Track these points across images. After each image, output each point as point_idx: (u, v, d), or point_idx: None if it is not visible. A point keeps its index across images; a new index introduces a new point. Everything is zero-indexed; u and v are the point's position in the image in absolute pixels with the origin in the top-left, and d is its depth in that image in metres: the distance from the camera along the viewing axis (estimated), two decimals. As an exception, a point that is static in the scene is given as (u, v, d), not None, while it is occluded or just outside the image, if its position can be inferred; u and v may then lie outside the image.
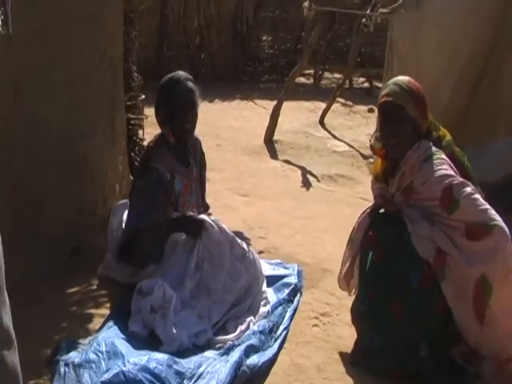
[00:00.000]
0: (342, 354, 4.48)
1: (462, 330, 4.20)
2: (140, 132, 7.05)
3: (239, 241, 4.85)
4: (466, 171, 4.42)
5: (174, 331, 4.31)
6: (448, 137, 4.51)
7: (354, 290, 4.66)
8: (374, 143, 4.53)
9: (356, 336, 4.51)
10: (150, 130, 7.39)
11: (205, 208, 5.32)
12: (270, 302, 4.89)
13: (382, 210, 4.55)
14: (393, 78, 4.46)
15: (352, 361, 4.40)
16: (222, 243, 4.76)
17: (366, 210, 4.60)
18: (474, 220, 4.12)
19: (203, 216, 4.84)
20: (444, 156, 4.29)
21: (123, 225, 5.02)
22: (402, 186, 4.34)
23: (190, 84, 4.92)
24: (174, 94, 4.86)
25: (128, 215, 4.88)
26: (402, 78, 4.40)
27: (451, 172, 4.21)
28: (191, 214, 4.84)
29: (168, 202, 4.81)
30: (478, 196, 4.18)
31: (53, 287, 4.94)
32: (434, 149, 4.31)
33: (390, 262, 4.27)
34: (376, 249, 4.36)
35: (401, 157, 4.32)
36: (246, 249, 4.85)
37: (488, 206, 4.17)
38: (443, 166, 4.22)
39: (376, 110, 4.64)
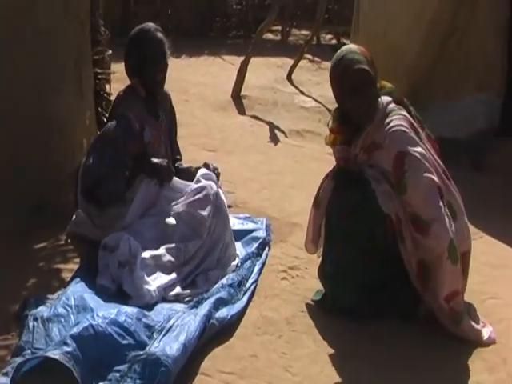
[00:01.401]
0: (310, 307, 4.52)
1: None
2: (107, 87, 6.99)
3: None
4: (415, 118, 4.41)
5: (142, 286, 4.31)
6: (389, 85, 4.50)
7: (320, 251, 4.69)
8: (332, 125, 4.52)
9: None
10: (117, 86, 7.31)
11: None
12: (238, 256, 4.92)
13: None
14: (340, 50, 4.41)
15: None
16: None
17: (328, 173, 4.60)
18: (416, 212, 4.11)
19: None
20: (404, 112, 4.31)
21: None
22: (365, 145, 4.35)
23: (159, 34, 4.90)
24: (144, 44, 4.83)
25: (94, 162, 4.67)
26: (352, 47, 4.43)
27: (412, 134, 4.20)
28: (162, 161, 4.84)
29: (135, 149, 4.78)
30: (426, 181, 4.11)
31: (19, 242, 4.93)
32: (393, 105, 4.33)
33: (355, 220, 4.30)
34: (341, 208, 4.38)
35: (371, 120, 4.32)
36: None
37: (432, 197, 4.11)
38: (403, 123, 4.23)
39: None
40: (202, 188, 4.82)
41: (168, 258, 4.57)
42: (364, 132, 4.35)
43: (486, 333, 4.28)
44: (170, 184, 4.82)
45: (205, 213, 4.71)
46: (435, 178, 4.15)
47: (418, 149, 4.17)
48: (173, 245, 4.63)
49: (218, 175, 5.04)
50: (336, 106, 4.53)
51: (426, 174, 4.13)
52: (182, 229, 4.70)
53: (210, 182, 4.85)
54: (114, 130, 4.71)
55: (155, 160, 4.80)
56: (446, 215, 4.12)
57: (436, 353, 4.12)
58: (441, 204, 4.12)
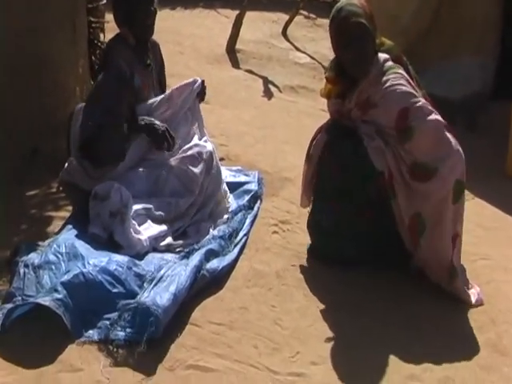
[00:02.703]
0: (301, 261, 4.53)
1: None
2: (101, 36, 6.92)
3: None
4: (413, 78, 4.41)
5: (133, 236, 4.30)
6: (388, 42, 4.49)
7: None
8: (329, 75, 4.52)
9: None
10: (111, 35, 7.27)
11: None
12: (230, 208, 4.91)
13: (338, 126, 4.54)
14: (341, 1, 4.37)
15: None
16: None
17: (322, 127, 4.59)
18: (421, 159, 4.13)
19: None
20: (402, 71, 4.30)
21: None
22: (360, 101, 4.33)
23: None
24: None
25: (90, 110, 4.69)
26: None
27: (410, 89, 4.21)
28: (161, 124, 4.75)
29: (131, 97, 4.74)
30: (434, 128, 4.14)
31: (11, 189, 4.90)
32: (391, 62, 4.32)
33: (347, 175, 4.32)
34: (333, 163, 4.39)
35: (365, 74, 4.30)
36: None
37: (442, 136, 4.13)
38: (401, 81, 4.22)
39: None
40: (196, 145, 4.81)
41: (159, 212, 4.56)
42: (359, 87, 4.34)
43: (473, 295, 4.31)
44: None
45: (197, 170, 4.69)
46: (439, 116, 4.18)
47: (419, 100, 4.19)
48: (164, 199, 4.62)
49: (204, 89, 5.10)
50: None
51: (431, 117, 4.16)
52: (174, 183, 4.68)
53: (203, 141, 4.88)
54: (106, 81, 4.68)
55: (156, 123, 4.74)
56: (459, 148, 4.14)
57: (424, 309, 4.17)
58: (451, 139, 4.14)
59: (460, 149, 4.14)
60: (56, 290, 3.63)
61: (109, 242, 4.29)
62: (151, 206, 4.57)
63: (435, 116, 4.18)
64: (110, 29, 7.29)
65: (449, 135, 4.14)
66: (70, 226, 4.36)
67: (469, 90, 7.83)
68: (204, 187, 4.74)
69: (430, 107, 4.21)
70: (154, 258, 4.20)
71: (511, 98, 6.80)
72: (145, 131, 4.72)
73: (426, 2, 7.87)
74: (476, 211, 5.46)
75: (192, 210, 4.69)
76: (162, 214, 4.57)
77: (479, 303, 4.29)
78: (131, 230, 4.31)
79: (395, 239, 4.29)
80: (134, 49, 4.87)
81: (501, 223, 5.56)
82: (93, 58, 6.57)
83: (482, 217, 5.50)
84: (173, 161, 4.73)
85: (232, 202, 5.01)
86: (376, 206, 4.29)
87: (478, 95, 7.89)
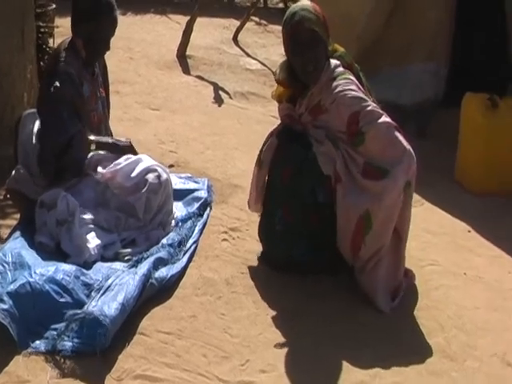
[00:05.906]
0: (250, 269, 4.52)
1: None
2: (50, 41, 6.87)
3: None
4: (364, 85, 4.44)
5: (81, 244, 4.26)
6: (341, 49, 4.52)
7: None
8: (279, 76, 4.54)
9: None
10: (61, 41, 7.22)
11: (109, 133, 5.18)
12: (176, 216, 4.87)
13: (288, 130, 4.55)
14: (295, 5, 4.41)
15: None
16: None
17: (272, 132, 4.60)
18: (374, 162, 4.16)
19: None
20: (352, 77, 4.33)
21: (33, 137, 4.82)
22: (310, 106, 4.36)
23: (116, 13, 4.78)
24: (100, 18, 4.67)
25: (51, 125, 4.61)
26: (306, 4, 4.39)
27: (360, 94, 4.25)
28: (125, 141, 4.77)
29: (86, 104, 4.71)
30: (384, 131, 4.18)
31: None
32: (341, 68, 4.35)
33: (298, 179, 4.33)
34: (284, 167, 4.40)
35: (316, 81, 4.32)
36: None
37: (393, 138, 4.17)
38: (351, 87, 4.26)
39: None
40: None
41: (107, 224, 4.52)
42: (309, 92, 4.35)
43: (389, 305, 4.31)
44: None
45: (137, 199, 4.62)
46: (389, 119, 4.22)
47: (369, 104, 4.23)
48: (112, 213, 4.57)
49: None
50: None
51: (381, 119, 4.19)
52: (122, 198, 4.62)
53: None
54: (62, 91, 4.61)
55: (122, 140, 4.77)
56: (410, 148, 4.17)
57: (374, 316, 4.18)
58: (402, 139, 4.17)
59: (411, 149, 4.17)
60: (2, 300, 3.58)
61: (56, 251, 4.24)
62: (99, 215, 4.52)
63: (385, 118, 4.21)
64: (61, 34, 7.25)
65: (400, 136, 4.18)
66: (17, 235, 4.31)
67: (420, 97, 7.88)
68: (153, 207, 4.65)
69: (380, 110, 4.24)
70: (102, 267, 4.15)
71: (460, 105, 6.84)
72: (112, 151, 4.71)
73: (381, 4, 7.89)
74: (424, 217, 5.50)
75: (143, 228, 4.62)
76: (111, 225, 4.53)
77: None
78: (78, 238, 4.27)
79: None
80: (82, 57, 4.82)
81: (448, 228, 5.61)
82: (41, 63, 6.50)
83: (430, 222, 5.54)
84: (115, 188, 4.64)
85: (181, 210, 4.97)
86: (322, 209, 4.31)
87: (430, 102, 7.94)
